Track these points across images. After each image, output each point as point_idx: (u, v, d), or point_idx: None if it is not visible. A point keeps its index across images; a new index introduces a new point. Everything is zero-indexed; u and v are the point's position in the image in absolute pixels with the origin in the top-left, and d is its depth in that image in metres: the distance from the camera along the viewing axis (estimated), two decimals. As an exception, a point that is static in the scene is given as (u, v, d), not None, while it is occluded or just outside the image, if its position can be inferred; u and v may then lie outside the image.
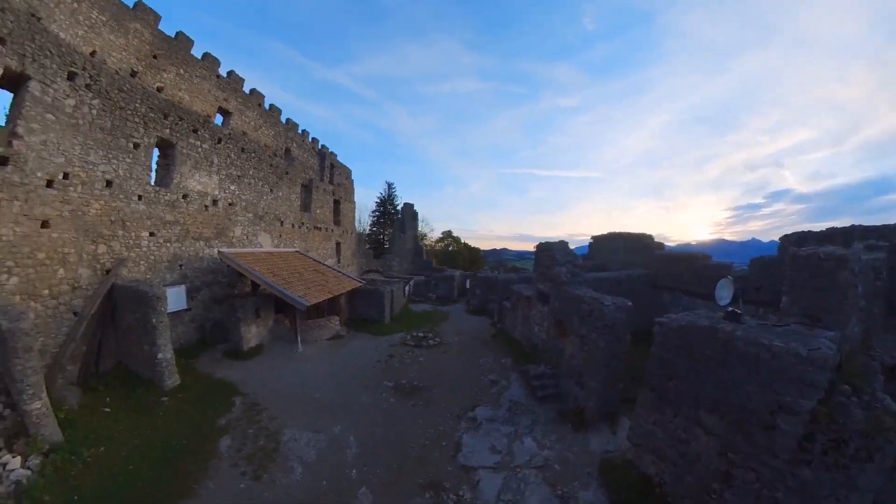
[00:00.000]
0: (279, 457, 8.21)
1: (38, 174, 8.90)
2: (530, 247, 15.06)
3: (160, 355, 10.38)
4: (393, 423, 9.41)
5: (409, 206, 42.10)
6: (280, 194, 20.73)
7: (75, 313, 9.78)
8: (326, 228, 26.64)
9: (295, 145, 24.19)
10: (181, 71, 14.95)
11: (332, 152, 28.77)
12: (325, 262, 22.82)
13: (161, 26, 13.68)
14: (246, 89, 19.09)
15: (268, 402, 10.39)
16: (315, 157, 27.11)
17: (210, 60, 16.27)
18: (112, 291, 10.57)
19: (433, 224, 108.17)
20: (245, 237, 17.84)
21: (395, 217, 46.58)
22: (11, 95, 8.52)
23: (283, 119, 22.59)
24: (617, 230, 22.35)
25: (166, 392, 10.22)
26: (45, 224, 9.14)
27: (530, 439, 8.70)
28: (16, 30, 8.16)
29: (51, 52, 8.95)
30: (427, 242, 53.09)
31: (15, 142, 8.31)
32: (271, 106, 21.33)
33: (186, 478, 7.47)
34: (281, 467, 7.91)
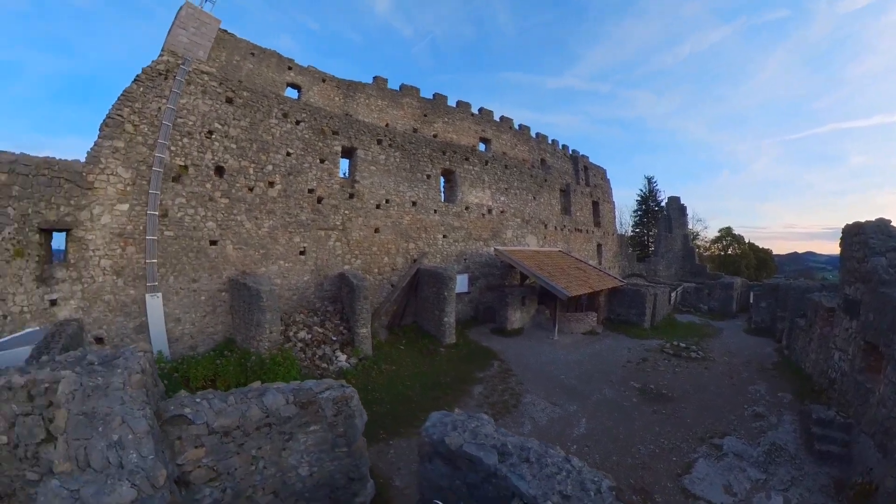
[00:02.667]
0: (516, 412, 9.25)
1: (371, 201, 14.60)
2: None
3: (445, 319, 13.64)
4: (627, 421, 9.00)
5: (674, 200, 35.02)
6: (542, 200, 22.33)
7: (392, 285, 14.74)
8: (587, 230, 25.92)
9: (548, 154, 25.68)
10: (445, 119, 20.19)
11: (583, 155, 28.30)
12: (588, 262, 21.94)
13: (422, 94, 19.54)
14: (496, 118, 22.78)
15: (518, 371, 11.73)
16: (568, 163, 27.48)
17: (463, 105, 20.97)
18: (417, 273, 15.04)
19: (707, 221, 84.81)
20: (515, 238, 20.32)
21: (658, 215, 39.95)
22: (348, 161, 14.81)
23: (533, 134, 24.84)
24: None
25: (444, 346, 13.23)
26: (376, 230, 14.68)
27: (781, 499, 6.51)
28: (342, 125, 14.25)
29: (363, 131, 14.80)
30: (700, 243, 42.90)
31: (356, 185, 14.28)
32: (521, 125, 24.09)
33: (442, 402, 9.44)
34: (514, 420, 8.89)
